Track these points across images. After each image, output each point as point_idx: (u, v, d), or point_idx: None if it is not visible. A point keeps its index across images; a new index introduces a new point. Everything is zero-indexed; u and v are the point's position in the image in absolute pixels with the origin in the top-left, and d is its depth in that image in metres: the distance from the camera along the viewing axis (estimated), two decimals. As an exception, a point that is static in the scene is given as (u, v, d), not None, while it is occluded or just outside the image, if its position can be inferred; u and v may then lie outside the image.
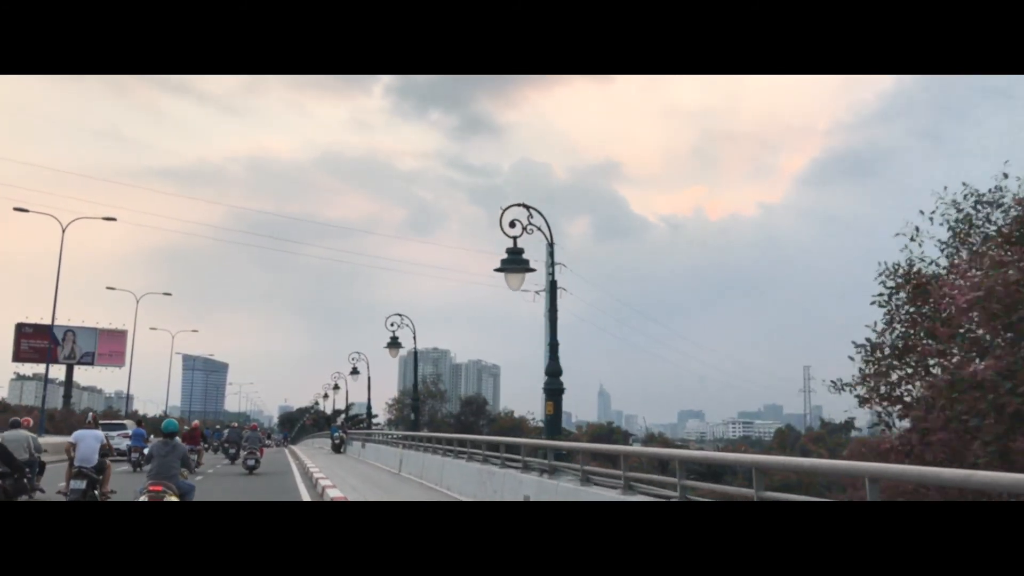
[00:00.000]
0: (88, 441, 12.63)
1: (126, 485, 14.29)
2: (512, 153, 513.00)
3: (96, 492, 12.48)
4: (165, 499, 9.25)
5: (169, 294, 60.78)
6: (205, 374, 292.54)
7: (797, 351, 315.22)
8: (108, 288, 53.71)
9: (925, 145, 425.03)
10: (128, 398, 65.96)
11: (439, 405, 67.21)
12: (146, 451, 15.86)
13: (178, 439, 10.29)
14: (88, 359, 72.33)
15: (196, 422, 31.81)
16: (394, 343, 27.72)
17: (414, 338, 28.86)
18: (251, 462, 24.42)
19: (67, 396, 71.13)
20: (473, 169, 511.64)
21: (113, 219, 38.92)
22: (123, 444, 25.34)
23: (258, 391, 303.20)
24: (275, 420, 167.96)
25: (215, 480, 21.53)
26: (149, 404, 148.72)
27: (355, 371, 42.19)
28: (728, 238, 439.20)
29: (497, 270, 13.15)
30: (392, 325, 27.87)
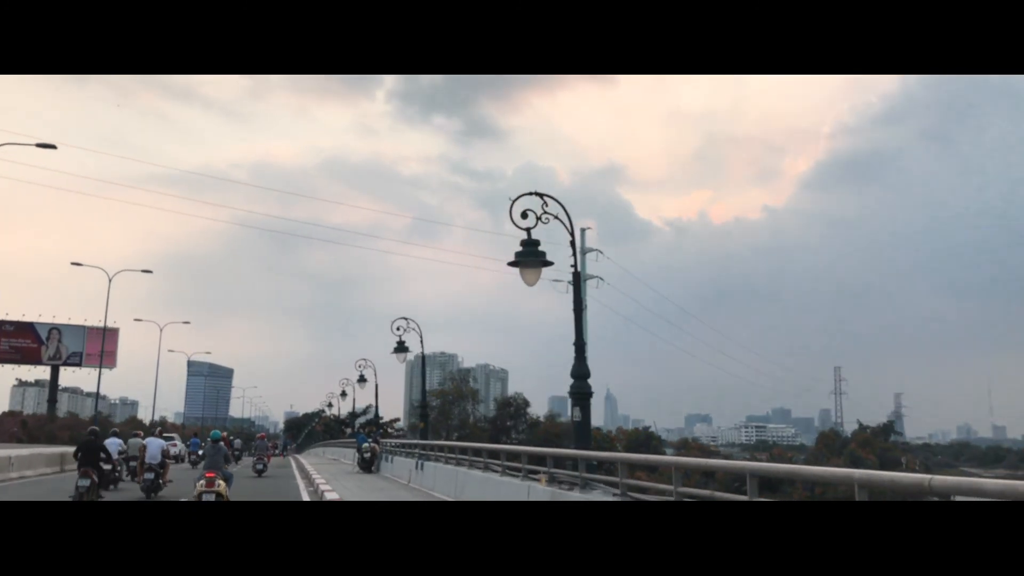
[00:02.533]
0: (154, 446, 18.61)
1: (188, 477, 19.99)
2: (516, 157, 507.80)
3: (160, 481, 18.37)
4: (216, 482, 13.69)
5: (149, 271, 51.83)
6: (211, 379, 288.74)
7: (804, 354, 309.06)
8: (73, 264, 46.20)
9: (930, 147, 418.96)
10: (98, 401, 59.59)
11: (471, 408, 57.83)
12: (200, 452, 22.53)
13: (221, 443, 14.85)
14: (76, 360, 65.93)
15: (224, 433, 36.67)
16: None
17: (580, 279, 18.74)
18: (260, 466, 28.68)
19: (52, 401, 64.81)
20: (477, 174, 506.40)
21: (52, 147, 31.38)
22: (173, 450, 30.60)
23: (262, 396, 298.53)
24: (281, 426, 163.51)
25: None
26: (149, 410, 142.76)
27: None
28: (733, 242, 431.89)
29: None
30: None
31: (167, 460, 19.31)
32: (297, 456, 60.67)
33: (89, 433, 17.01)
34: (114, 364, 67.60)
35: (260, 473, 28.37)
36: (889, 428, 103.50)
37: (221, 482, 13.71)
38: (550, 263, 12.34)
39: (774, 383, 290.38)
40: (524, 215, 12.05)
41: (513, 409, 56.29)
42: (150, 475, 18.10)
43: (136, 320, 60.98)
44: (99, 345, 66.53)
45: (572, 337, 12.75)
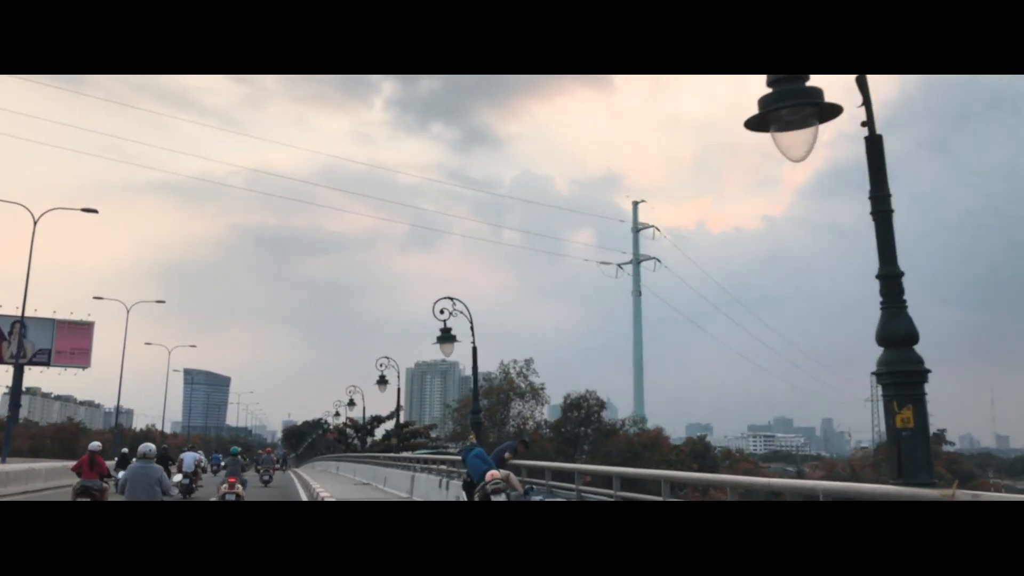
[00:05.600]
0: (189, 458, 24.68)
1: (213, 482, 25.12)
2: (514, 165, 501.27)
3: (193, 484, 23.60)
4: (236, 486, 18.36)
5: (93, 211, 39.74)
6: (207, 387, 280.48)
7: (805, 363, 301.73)
8: None
9: (930, 153, 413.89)
10: (14, 398, 50.73)
11: (535, 409, 44.46)
12: (222, 464, 27.78)
13: (238, 456, 20.23)
14: (43, 358, 57.16)
15: (240, 450, 35.07)
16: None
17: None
18: (266, 477, 33.47)
19: (14, 405, 55.73)
20: (475, 182, 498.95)
21: None
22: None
23: (259, 403, 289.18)
24: (278, 435, 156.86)
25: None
26: (142, 418, 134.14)
27: (447, 334, 30.37)
28: (732, 250, 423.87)
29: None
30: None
31: (198, 468, 24.73)
32: (298, 471, 51.73)
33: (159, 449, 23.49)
34: (88, 363, 58.94)
35: (267, 483, 32.27)
36: (940, 438, 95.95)
37: (239, 485, 18.61)
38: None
39: (776, 391, 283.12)
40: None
41: (584, 412, 44.60)
42: (185, 480, 22.96)
43: (96, 298, 51.06)
44: (70, 342, 58.06)
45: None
